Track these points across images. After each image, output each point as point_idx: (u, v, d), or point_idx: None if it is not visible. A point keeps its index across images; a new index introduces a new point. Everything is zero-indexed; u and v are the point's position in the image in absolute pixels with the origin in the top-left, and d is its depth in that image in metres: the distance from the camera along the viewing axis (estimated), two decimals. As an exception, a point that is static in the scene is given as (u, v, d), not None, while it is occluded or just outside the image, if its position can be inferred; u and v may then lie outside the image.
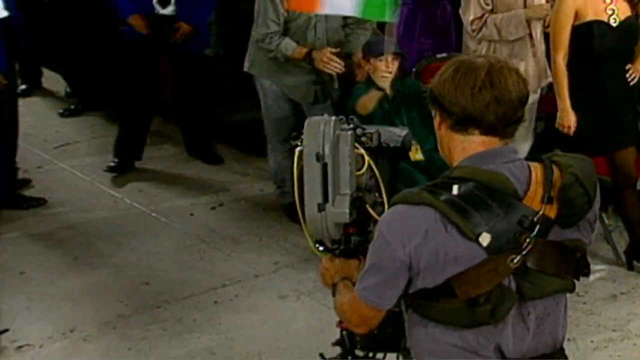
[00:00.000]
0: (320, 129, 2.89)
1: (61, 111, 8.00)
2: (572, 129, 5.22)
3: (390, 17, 5.30)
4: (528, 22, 5.61)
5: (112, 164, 6.84)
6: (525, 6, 5.65)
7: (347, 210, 2.89)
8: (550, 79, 5.64)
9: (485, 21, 5.64)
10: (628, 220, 5.51)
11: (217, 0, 7.06)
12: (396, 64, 5.52)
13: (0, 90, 6.11)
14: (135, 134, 6.89)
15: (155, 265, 5.73)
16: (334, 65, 5.67)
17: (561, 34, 5.20)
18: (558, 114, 5.29)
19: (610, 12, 5.19)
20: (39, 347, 4.96)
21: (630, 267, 5.47)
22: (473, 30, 5.67)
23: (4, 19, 6.11)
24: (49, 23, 7.59)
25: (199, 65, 6.86)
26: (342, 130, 2.91)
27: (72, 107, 7.95)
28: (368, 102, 5.37)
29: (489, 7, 5.65)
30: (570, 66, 5.22)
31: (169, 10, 6.57)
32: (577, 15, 5.17)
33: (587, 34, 5.18)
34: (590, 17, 5.17)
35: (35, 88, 8.35)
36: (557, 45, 5.24)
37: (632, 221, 5.48)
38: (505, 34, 5.60)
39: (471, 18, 5.67)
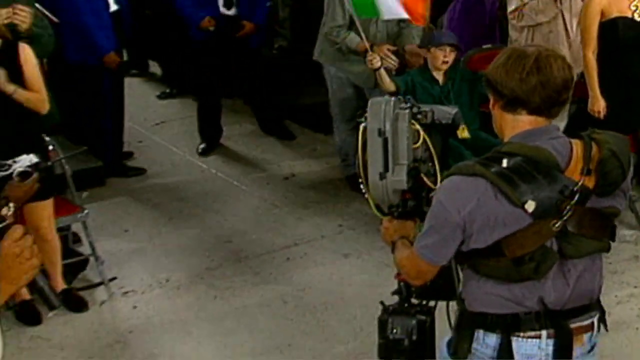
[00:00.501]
0: (382, 108, 2.88)
1: (158, 94, 8.03)
2: (602, 114, 5.18)
3: (381, 14, 5.35)
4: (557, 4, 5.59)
5: (202, 146, 6.83)
6: None
7: (405, 179, 2.88)
8: (582, 68, 5.55)
9: (522, 10, 5.61)
10: None
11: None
12: (453, 55, 5.43)
13: (110, 72, 6.15)
14: (210, 117, 6.88)
15: (237, 226, 5.74)
16: (390, 61, 5.60)
17: (590, 31, 5.16)
18: (589, 100, 5.25)
19: (634, 8, 5.14)
20: (141, 293, 5.02)
21: None
22: (513, 18, 5.64)
23: (115, 11, 6.15)
24: (150, 17, 7.62)
25: (262, 57, 6.83)
26: (400, 109, 2.89)
27: (168, 90, 7.99)
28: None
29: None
30: (599, 58, 5.18)
31: (233, 11, 6.53)
32: (603, 13, 5.12)
33: (612, 29, 5.13)
34: (615, 14, 5.12)
35: (142, 73, 8.41)
36: (586, 41, 5.21)
37: None
38: (540, 17, 5.57)
39: (512, 8, 5.65)
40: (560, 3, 5.60)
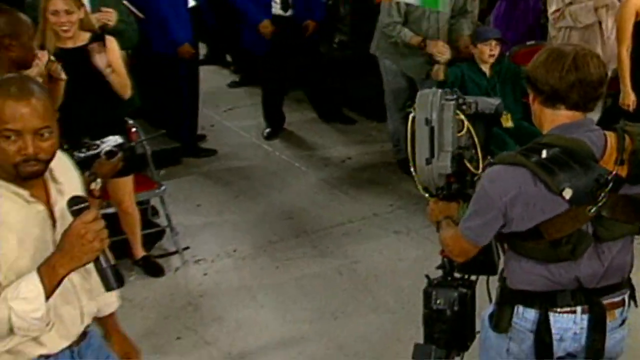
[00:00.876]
0: (429, 99, 2.88)
1: (228, 83, 8.06)
2: (632, 107, 5.13)
3: (444, 7, 5.36)
4: (596, 10, 5.48)
5: (267, 131, 6.85)
6: None
7: (449, 164, 2.87)
8: (616, 65, 5.49)
9: (563, 12, 5.52)
10: None
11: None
12: (498, 48, 5.38)
13: (186, 62, 6.19)
14: (273, 105, 6.88)
15: (297, 204, 5.77)
16: (444, 56, 5.56)
17: (625, 30, 5.11)
18: (621, 94, 5.19)
19: None
20: (211, 261, 5.07)
21: None
22: (554, 19, 5.57)
23: (193, 7, 6.25)
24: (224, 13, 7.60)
25: (319, 50, 6.81)
26: (446, 100, 2.88)
27: (237, 79, 8.03)
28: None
29: (568, 1, 5.53)
30: (632, 55, 5.12)
31: (289, 12, 6.51)
32: (637, 14, 5.08)
33: None
34: None
35: (217, 63, 8.43)
36: (621, 39, 5.16)
37: None
38: (578, 23, 5.48)
39: (553, 9, 5.57)
40: (599, 13, 5.53)
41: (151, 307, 4.49)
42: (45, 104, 2.25)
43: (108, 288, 2.25)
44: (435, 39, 5.68)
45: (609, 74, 5.69)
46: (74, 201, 2.22)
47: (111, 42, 4.64)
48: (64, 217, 2.28)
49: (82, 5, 4.68)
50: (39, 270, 2.17)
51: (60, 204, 2.33)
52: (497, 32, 5.49)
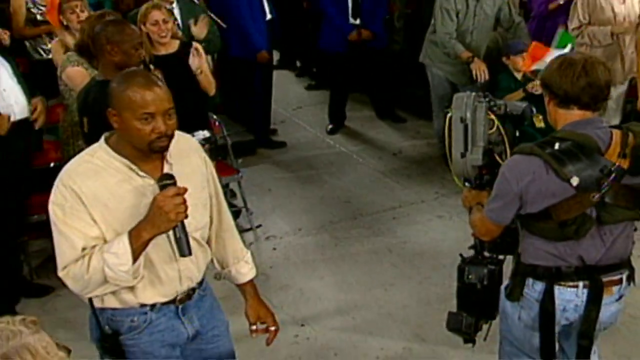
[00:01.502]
0: (464, 101, 2.87)
1: (306, 85, 7.91)
2: None
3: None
4: (613, 34, 5.30)
5: (330, 127, 6.84)
6: (615, 22, 5.29)
7: (480, 157, 2.87)
8: (634, 74, 5.38)
9: (582, 31, 5.37)
10: None
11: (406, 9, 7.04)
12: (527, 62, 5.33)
13: (262, 66, 6.22)
14: (338, 105, 6.88)
15: (354, 190, 5.76)
16: (484, 75, 5.56)
17: None
18: (639, 100, 5.08)
19: None
20: (280, 238, 5.12)
21: None
22: (574, 36, 5.40)
23: (269, 20, 6.23)
24: (295, 25, 7.65)
25: (384, 58, 6.76)
26: (479, 102, 2.88)
27: (312, 83, 7.92)
28: (512, 97, 5.19)
29: (586, 21, 5.36)
30: None
31: (358, 21, 6.46)
32: None
33: None
34: None
35: (289, 68, 8.36)
36: None
37: None
38: (596, 43, 5.32)
39: (573, 27, 5.42)
40: (617, 38, 5.33)
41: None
42: (166, 89, 2.35)
43: (181, 254, 2.33)
44: (478, 54, 5.66)
45: (630, 82, 5.66)
46: (163, 178, 2.30)
47: (198, 48, 4.83)
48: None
49: (173, 14, 4.87)
50: (130, 233, 2.26)
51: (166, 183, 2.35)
52: (525, 44, 5.41)
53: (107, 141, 2.39)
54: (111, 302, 2.45)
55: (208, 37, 5.24)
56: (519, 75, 5.40)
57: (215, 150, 4.49)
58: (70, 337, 4.04)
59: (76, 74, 4.11)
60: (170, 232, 2.31)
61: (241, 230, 5.10)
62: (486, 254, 3.04)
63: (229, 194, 5.31)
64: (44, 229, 4.82)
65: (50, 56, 5.01)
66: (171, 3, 5.22)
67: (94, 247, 2.30)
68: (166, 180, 2.30)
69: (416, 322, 4.16)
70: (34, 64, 5.38)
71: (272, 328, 2.80)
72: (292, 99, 7.57)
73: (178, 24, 5.17)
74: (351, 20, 6.48)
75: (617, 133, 2.62)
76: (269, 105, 6.61)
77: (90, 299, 2.45)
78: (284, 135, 6.77)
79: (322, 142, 6.70)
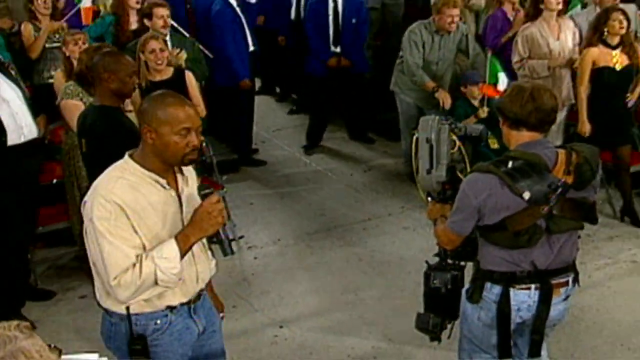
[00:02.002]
0: (429, 124, 2.91)
1: (288, 110, 7.77)
2: (587, 134, 5.06)
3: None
4: (550, 67, 5.38)
5: (306, 146, 6.82)
6: (550, 56, 5.37)
7: (444, 174, 2.90)
8: (572, 101, 5.48)
9: (523, 64, 5.42)
10: (622, 191, 5.36)
11: (375, 41, 7.11)
12: (479, 90, 5.42)
13: (245, 93, 6.23)
14: (317, 127, 6.86)
15: (328, 204, 5.75)
16: (447, 103, 5.61)
17: (584, 76, 5.05)
18: (578, 124, 5.15)
19: (615, 61, 5.01)
20: (260, 248, 5.09)
21: (623, 220, 5.33)
22: (516, 69, 5.45)
23: (252, 51, 6.24)
24: (274, 56, 7.63)
25: (358, 84, 6.75)
26: (442, 124, 2.91)
27: (293, 108, 7.87)
28: (467, 122, 5.17)
29: (526, 55, 5.40)
30: (590, 95, 5.08)
31: (338, 49, 6.46)
32: (594, 63, 5.01)
33: (600, 75, 5.02)
34: (602, 64, 5.01)
35: (270, 94, 8.33)
36: (580, 82, 5.09)
37: (625, 192, 5.33)
38: (535, 75, 5.35)
39: (515, 60, 5.46)
40: (554, 70, 5.39)
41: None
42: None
43: (225, 254, 2.41)
44: (443, 82, 5.71)
45: (570, 108, 5.75)
46: (202, 187, 2.39)
47: (189, 75, 4.85)
48: (189, 202, 2.42)
49: (167, 45, 4.91)
50: (176, 237, 2.31)
51: (186, 192, 2.44)
52: (475, 75, 5.45)
53: (132, 158, 2.41)
54: (140, 307, 2.45)
55: (195, 64, 5.28)
56: (475, 102, 5.47)
57: (202, 167, 4.54)
58: (71, 337, 4.10)
59: (71, 107, 4.17)
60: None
61: (229, 240, 5.09)
62: (449, 261, 3.06)
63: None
64: (48, 240, 4.90)
65: (51, 81, 5.05)
66: (165, 35, 5.25)
67: (138, 255, 2.32)
68: (206, 190, 2.37)
69: (384, 324, 4.16)
70: (37, 88, 5.38)
71: (222, 314, 2.89)
72: (272, 122, 7.56)
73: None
74: (332, 48, 6.48)
75: (562, 152, 2.66)
76: (251, 128, 6.61)
77: (123, 308, 2.44)
78: (265, 154, 6.77)
79: (299, 160, 6.68)
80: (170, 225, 2.39)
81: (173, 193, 2.42)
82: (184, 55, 5.16)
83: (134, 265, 2.30)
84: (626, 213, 5.34)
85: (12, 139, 4.00)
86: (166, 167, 2.40)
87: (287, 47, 7.32)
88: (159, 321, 2.47)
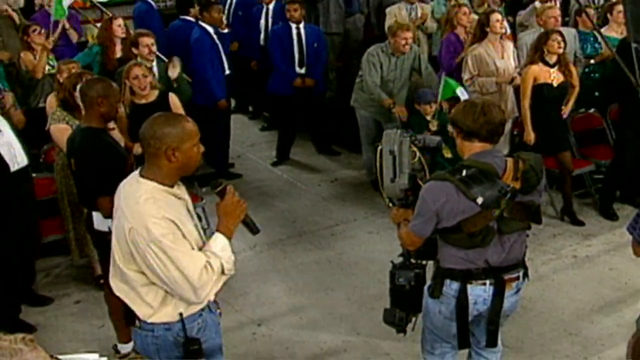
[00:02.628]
0: (392, 137, 2.95)
1: (260, 127, 7.66)
2: (532, 142, 5.15)
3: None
4: (497, 83, 5.47)
5: (276, 160, 6.78)
6: (497, 73, 5.46)
7: (406, 182, 2.94)
8: (516, 114, 5.56)
9: (473, 82, 5.50)
10: (564, 193, 5.45)
11: (338, 63, 7.12)
12: (435, 106, 5.46)
13: (221, 112, 6.20)
14: (285, 142, 6.84)
15: (299, 212, 5.73)
16: (403, 117, 5.63)
17: (526, 91, 5.12)
18: (524, 133, 5.23)
19: (553, 78, 5.11)
20: (238, 253, 4.74)
21: (563, 219, 5.40)
22: (467, 86, 5.53)
23: (227, 74, 6.22)
24: (246, 79, 7.58)
25: (320, 102, 6.75)
26: (404, 137, 2.95)
27: (265, 125, 7.78)
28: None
29: (476, 72, 5.49)
30: (532, 108, 5.16)
31: (303, 70, 6.46)
32: (535, 79, 5.09)
33: (540, 91, 5.11)
34: (541, 81, 5.10)
35: (244, 112, 8.25)
36: (524, 96, 5.16)
37: (566, 194, 5.41)
38: (484, 90, 5.44)
39: (465, 78, 5.54)
40: (500, 86, 5.47)
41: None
42: None
43: (253, 233, 2.47)
44: (399, 99, 5.73)
45: (516, 120, 5.84)
46: (214, 185, 2.42)
47: (173, 97, 4.82)
48: (192, 207, 2.49)
49: (152, 71, 4.89)
50: (219, 230, 2.37)
51: (187, 198, 2.49)
52: (432, 95, 5.50)
53: (147, 177, 2.37)
54: (186, 311, 2.44)
55: (181, 85, 5.24)
56: (428, 117, 5.49)
57: (182, 180, 4.48)
58: (67, 338, 4.05)
59: (60, 131, 4.17)
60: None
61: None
62: (413, 260, 3.09)
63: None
64: (44, 250, 4.86)
65: (42, 104, 5.01)
66: (152, 61, 5.24)
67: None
68: (219, 186, 2.42)
69: (353, 319, 4.16)
70: (32, 112, 5.32)
71: (219, 310, 2.82)
72: (246, 138, 7.51)
73: (156, 78, 5.17)
74: (297, 69, 6.46)
75: (510, 161, 2.70)
76: (227, 144, 6.55)
77: (174, 316, 2.43)
78: (240, 168, 6.73)
79: (271, 173, 6.65)
80: (195, 229, 2.43)
81: (183, 202, 2.44)
82: (178, 68, 5.14)
83: (205, 267, 2.30)
84: (566, 213, 5.43)
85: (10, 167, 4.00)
86: (176, 180, 2.41)
87: (259, 70, 7.27)
88: (200, 320, 2.49)
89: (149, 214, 2.29)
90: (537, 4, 6.33)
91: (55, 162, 4.51)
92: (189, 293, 2.33)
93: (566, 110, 5.34)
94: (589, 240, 5.13)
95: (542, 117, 5.18)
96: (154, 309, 2.40)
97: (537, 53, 5.10)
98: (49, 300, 4.49)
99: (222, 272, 2.36)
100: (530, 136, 5.18)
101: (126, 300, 2.41)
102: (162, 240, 2.27)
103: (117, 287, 2.43)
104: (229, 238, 2.40)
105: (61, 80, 4.64)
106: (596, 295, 4.38)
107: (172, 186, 2.39)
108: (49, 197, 4.65)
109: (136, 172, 2.44)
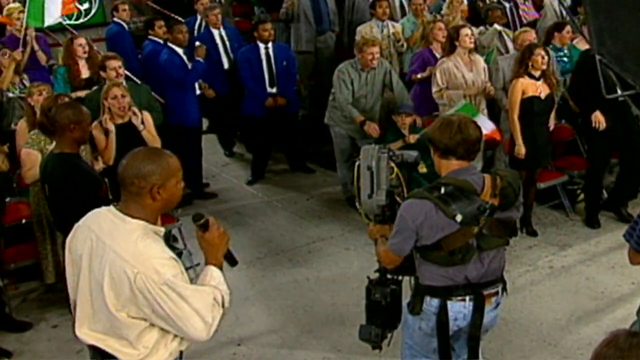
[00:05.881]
0: (369, 153, 2.91)
1: (227, 152, 7.51)
2: (523, 156, 5.13)
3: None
4: (465, 95, 5.49)
5: (251, 179, 6.74)
6: (466, 86, 5.49)
7: (384, 198, 2.88)
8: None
9: (442, 94, 5.53)
10: (525, 204, 5.06)
11: (310, 81, 7.12)
12: (409, 118, 5.48)
13: (194, 131, 6.16)
14: (260, 161, 6.82)
15: (275, 230, 5.71)
16: (375, 133, 5.63)
17: (515, 104, 5.11)
18: (515, 147, 5.17)
19: (540, 91, 5.12)
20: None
21: (521, 230, 5.23)
22: (436, 98, 5.54)
23: (198, 95, 6.21)
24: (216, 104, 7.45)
25: (296, 120, 6.76)
26: (381, 153, 2.91)
27: (226, 152, 7.65)
28: (394, 146, 5.22)
29: (444, 85, 5.51)
30: (521, 121, 5.14)
31: (275, 89, 6.45)
32: (523, 92, 5.09)
33: (528, 103, 5.11)
34: (529, 94, 5.10)
35: (216, 133, 8.11)
36: (512, 109, 5.13)
37: (528, 205, 5.26)
38: (453, 103, 5.44)
39: (435, 90, 5.55)
40: (470, 99, 5.48)
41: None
42: None
43: (232, 265, 2.42)
44: (372, 114, 5.74)
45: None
46: (197, 217, 2.34)
47: (147, 117, 4.80)
48: None
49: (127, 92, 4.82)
50: (210, 263, 2.31)
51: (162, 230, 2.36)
52: (409, 107, 5.52)
53: (132, 216, 2.25)
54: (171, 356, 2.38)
55: (151, 109, 5.21)
56: (404, 130, 5.50)
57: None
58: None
59: (27, 157, 4.19)
60: None
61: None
62: (389, 276, 3.04)
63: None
64: (18, 276, 4.77)
65: (14, 127, 4.94)
66: (120, 84, 5.19)
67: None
68: (202, 219, 2.34)
69: (332, 336, 4.15)
70: (1, 134, 5.20)
71: None
72: (220, 158, 7.45)
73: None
74: (268, 89, 6.47)
75: (488, 177, 2.70)
76: (200, 164, 6.48)
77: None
78: (215, 187, 6.68)
79: (246, 192, 6.61)
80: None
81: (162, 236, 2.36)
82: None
83: (214, 298, 2.26)
84: (524, 224, 5.36)
85: None
86: (157, 218, 2.33)
87: (226, 95, 7.10)
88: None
89: (154, 255, 2.18)
90: (497, 26, 6.39)
91: (32, 186, 4.44)
92: (201, 331, 2.24)
93: (552, 123, 5.38)
94: (564, 250, 5.15)
95: (532, 130, 5.16)
96: (143, 354, 2.29)
97: (522, 67, 5.09)
98: (28, 325, 4.40)
99: (223, 305, 2.30)
100: (522, 150, 5.13)
101: (106, 349, 2.27)
102: (174, 280, 2.17)
103: (91, 336, 2.27)
104: (220, 269, 2.34)
105: (32, 103, 4.58)
106: (574, 305, 4.41)
107: (155, 224, 2.31)
108: (21, 221, 4.58)
109: (111, 209, 2.29)
